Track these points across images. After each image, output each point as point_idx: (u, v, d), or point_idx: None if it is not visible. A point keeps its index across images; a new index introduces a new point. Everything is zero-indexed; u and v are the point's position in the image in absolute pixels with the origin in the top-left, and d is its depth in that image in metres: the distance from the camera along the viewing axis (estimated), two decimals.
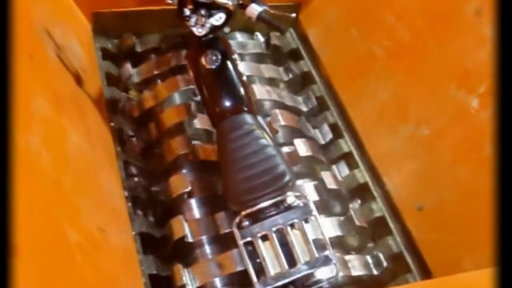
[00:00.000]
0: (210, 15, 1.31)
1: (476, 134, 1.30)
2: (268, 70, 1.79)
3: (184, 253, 1.37)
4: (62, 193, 1.04)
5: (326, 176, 1.53)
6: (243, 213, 1.19)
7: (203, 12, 1.30)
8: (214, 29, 1.33)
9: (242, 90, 1.33)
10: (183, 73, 1.62)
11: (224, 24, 1.33)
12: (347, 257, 1.41)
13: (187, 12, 1.30)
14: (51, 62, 1.29)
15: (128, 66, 1.69)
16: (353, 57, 1.69)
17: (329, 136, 1.69)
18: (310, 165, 1.57)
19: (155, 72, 1.68)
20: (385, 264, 1.41)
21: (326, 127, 1.71)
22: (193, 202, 1.44)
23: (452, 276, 0.95)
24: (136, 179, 1.48)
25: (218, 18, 1.32)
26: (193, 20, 1.31)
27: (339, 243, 1.44)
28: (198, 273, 1.30)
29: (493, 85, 1.24)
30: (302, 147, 1.57)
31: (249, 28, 1.87)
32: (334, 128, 1.70)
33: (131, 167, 1.49)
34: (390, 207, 1.49)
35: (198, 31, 1.32)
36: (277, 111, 1.64)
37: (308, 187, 1.51)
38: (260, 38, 1.90)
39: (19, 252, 0.71)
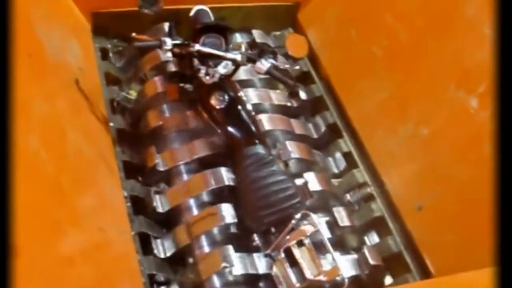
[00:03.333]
0: (217, 64, 1.39)
1: (476, 134, 1.30)
2: None
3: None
4: (62, 193, 1.04)
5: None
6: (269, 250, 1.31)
7: (210, 62, 1.39)
8: (222, 78, 1.42)
9: (251, 125, 1.45)
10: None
11: (232, 74, 1.42)
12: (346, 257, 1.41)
13: (196, 62, 1.39)
14: (50, 62, 1.29)
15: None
16: (353, 57, 1.69)
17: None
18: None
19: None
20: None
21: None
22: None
23: (451, 276, 0.95)
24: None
25: (225, 65, 1.40)
26: (203, 71, 1.39)
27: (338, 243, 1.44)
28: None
29: (492, 85, 1.24)
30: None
31: (247, 28, 1.87)
32: (333, 128, 1.70)
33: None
34: (389, 207, 1.49)
35: (206, 79, 1.40)
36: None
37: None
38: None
39: (19, 252, 0.71)
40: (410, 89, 1.51)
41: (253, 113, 1.48)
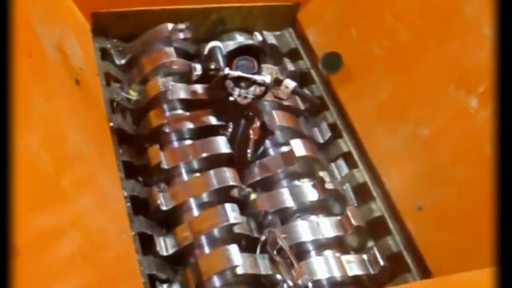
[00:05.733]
0: (249, 86, 1.43)
1: (476, 134, 1.30)
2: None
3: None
4: (62, 193, 1.04)
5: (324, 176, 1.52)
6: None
7: (243, 84, 1.42)
8: (254, 98, 1.46)
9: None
10: None
11: (263, 95, 1.47)
12: (344, 257, 1.40)
13: (231, 84, 1.43)
14: (50, 62, 1.29)
15: None
16: (352, 57, 1.69)
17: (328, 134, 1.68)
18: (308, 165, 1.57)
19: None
20: (382, 263, 1.40)
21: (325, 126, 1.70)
22: None
23: (451, 275, 0.95)
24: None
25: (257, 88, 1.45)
26: (236, 93, 1.43)
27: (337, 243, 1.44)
28: None
29: (492, 85, 1.24)
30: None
31: (248, 28, 1.87)
32: (333, 128, 1.70)
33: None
34: (389, 207, 1.49)
35: (240, 100, 1.44)
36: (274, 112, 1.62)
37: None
38: (259, 38, 1.90)
39: (19, 252, 0.72)
40: (410, 89, 1.51)
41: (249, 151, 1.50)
